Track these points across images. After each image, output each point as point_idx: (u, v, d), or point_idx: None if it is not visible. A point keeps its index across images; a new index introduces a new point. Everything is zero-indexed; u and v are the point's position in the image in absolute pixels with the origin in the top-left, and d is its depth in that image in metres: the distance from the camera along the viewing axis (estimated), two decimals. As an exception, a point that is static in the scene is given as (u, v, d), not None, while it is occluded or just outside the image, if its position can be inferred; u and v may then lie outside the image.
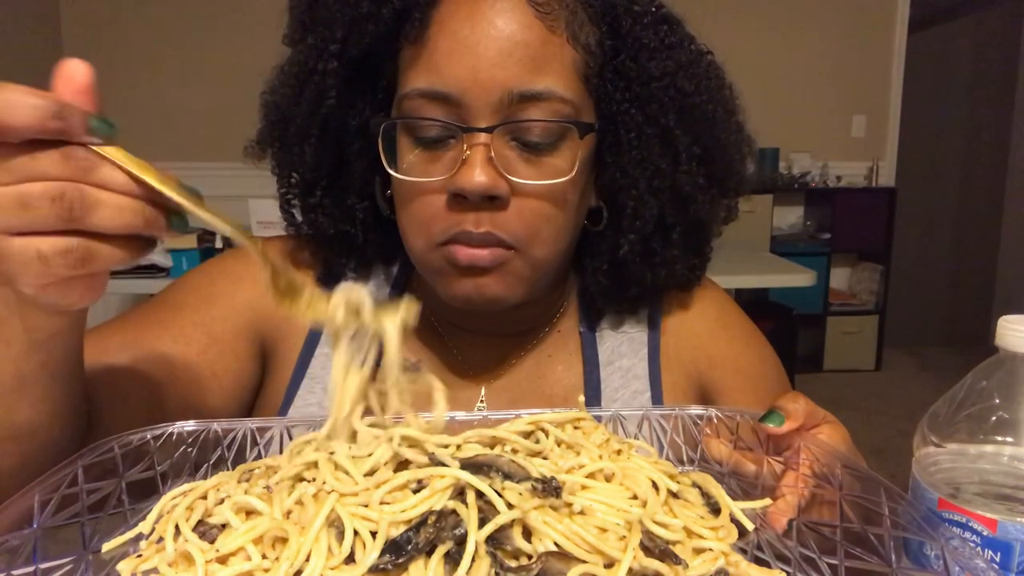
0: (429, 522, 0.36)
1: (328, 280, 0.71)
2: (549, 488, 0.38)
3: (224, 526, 0.39)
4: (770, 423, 0.47)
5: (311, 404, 0.66)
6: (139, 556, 0.39)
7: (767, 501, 0.45)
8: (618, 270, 0.67)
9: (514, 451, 0.45)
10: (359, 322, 0.45)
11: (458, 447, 0.44)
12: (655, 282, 0.68)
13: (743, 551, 0.42)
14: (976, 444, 0.42)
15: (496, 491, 0.38)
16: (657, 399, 0.69)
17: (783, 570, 0.40)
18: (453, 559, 0.36)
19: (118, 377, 0.58)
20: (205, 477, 0.47)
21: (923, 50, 4.51)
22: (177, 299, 0.66)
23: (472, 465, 0.40)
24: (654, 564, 0.36)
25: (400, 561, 0.35)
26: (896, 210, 4.12)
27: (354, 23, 0.58)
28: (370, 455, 0.42)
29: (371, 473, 0.41)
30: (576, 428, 0.50)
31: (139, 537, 0.42)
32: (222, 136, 3.48)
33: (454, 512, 0.37)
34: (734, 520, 0.43)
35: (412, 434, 0.43)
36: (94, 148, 0.37)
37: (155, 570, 0.37)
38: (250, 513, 0.40)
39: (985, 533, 0.39)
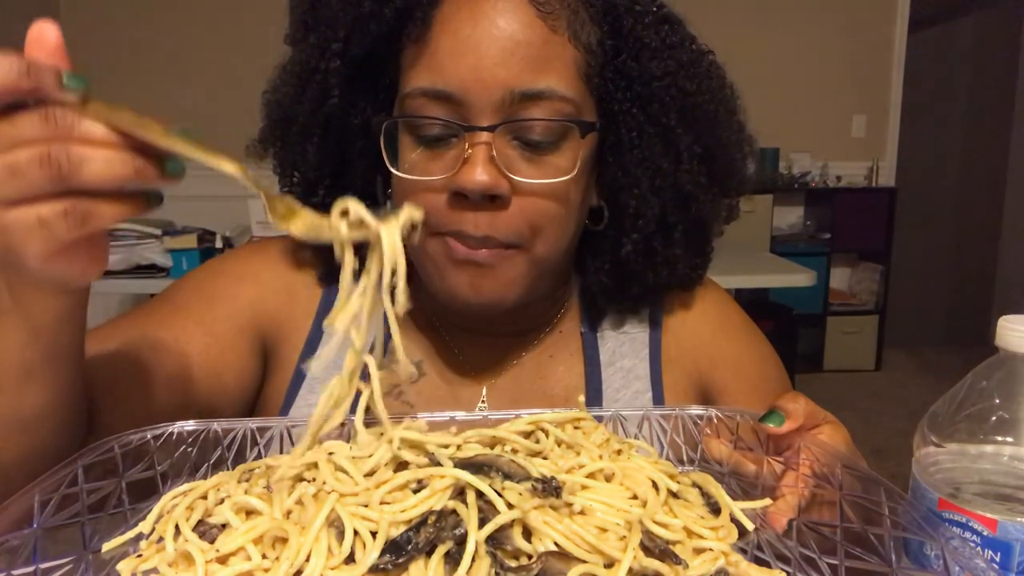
0: (429, 522, 0.37)
1: (329, 279, 0.71)
2: (549, 488, 0.38)
3: (224, 526, 0.39)
4: (770, 423, 0.47)
5: (312, 404, 0.66)
6: (139, 556, 0.39)
7: (767, 501, 0.45)
8: (620, 269, 0.67)
9: (514, 451, 0.45)
10: (363, 232, 0.44)
11: (458, 447, 0.44)
12: (657, 281, 0.68)
13: (743, 551, 0.42)
14: (976, 444, 0.42)
15: (496, 491, 0.38)
16: (658, 399, 0.69)
17: (783, 570, 0.40)
18: (453, 559, 0.36)
19: (119, 376, 0.58)
20: (205, 477, 0.47)
21: (923, 50, 4.51)
22: (179, 298, 0.66)
23: (472, 465, 0.40)
24: (654, 564, 0.36)
25: (400, 561, 0.35)
26: (896, 210, 4.12)
27: (356, 22, 0.58)
28: (370, 456, 0.42)
29: (371, 474, 0.41)
30: (576, 428, 0.50)
31: (139, 537, 0.42)
32: (222, 136, 3.47)
33: (454, 512, 0.37)
34: (734, 520, 0.43)
35: (412, 436, 0.43)
36: (71, 105, 0.37)
37: (155, 570, 0.37)
38: (250, 513, 0.40)
39: (985, 533, 0.39)
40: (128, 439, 0.47)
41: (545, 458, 0.45)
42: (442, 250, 0.58)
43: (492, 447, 0.45)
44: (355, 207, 0.43)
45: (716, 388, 0.71)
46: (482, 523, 0.36)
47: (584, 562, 0.36)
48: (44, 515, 0.39)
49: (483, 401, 0.69)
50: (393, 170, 0.59)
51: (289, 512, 0.39)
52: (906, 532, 0.36)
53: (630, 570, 0.35)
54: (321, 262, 0.71)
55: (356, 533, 0.37)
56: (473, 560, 0.35)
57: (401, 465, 0.42)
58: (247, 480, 0.45)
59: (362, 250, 0.46)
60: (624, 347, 0.71)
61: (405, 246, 0.62)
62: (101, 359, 0.57)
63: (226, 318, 0.66)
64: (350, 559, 0.36)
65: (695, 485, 0.46)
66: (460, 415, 0.50)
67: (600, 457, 0.45)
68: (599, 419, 0.52)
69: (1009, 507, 0.40)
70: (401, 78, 0.59)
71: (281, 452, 0.51)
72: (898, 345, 4.50)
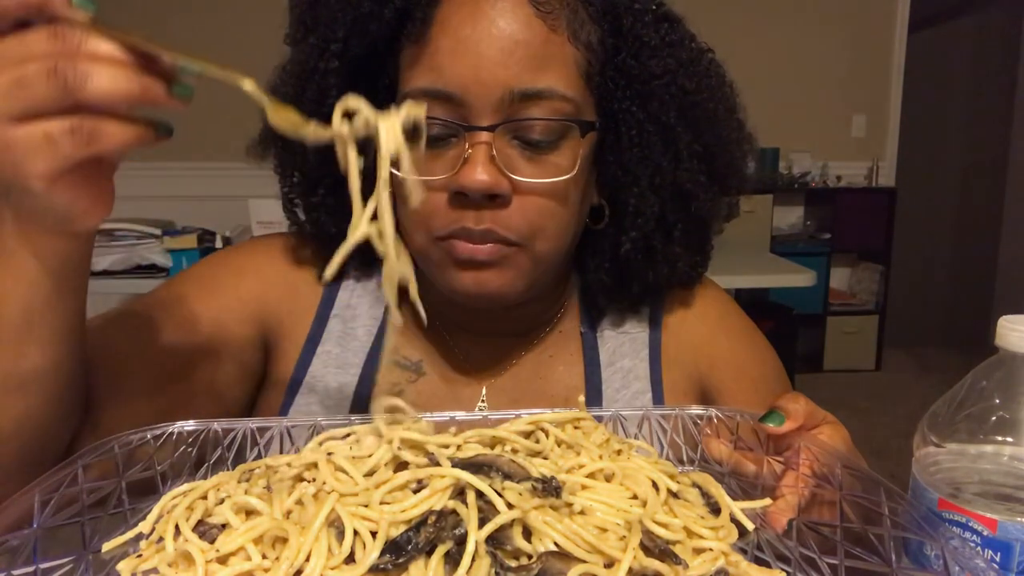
0: (429, 522, 0.37)
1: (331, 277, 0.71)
2: (549, 488, 0.38)
3: (224, 526, 0.39)
4: (770, 423, 0.47)
5: (312, 403, 0.67)
6: (139, 556, 0.39)
7: (767, 501, 0.45)
8: (620, 268, 0.67)
9: (514, 451, 0.45)
10: (365, 125, 0.44)
11: (458, 447, 0.44)
12: (657, 280, 0.68)
13: (743, 551, 0.42)
14: (976, 444, 0.42)
15: (496, 491, 0.38)
16: (658, 399, 0.69)
17: (783, 570, 0.40)
18: (453, 559, 0.36)
19: (120, 363, 0.58)
20: (205, 477, 0.47)
21: (923, 50, 4.50)
22: (182, 290, 0.66)
23: (472, 465, 0.40)
24: (654, 564, 0.36)
25: (400, 561, 0.35)
26: (896, 210, 4.12)
27: (355, 22, 0.58)
28: (369, 456, 0.43)
29: (371, 474, 0.41)
30: (576, 428, 0.50)
31: (139, 537, 0.42)
32: (222, 136, 3.49)
33: (454, 512, 0.37)
34: (734, 520, 0.43)
35: (412, 436, 0.43)
36: (80, 24, 0.37)
37: (155, 570, 0.37)
38: (250, 513, 0.40)
39: (985, 533, 0.39)
40: (128, 439, 0.47)
41: (545, 458, 0.45)
42: (445, 253, 0.58)
43: (492, 447, 0.45)
44: (356, 103, 0.43)
45: (716, 388, 0.71)
46: (482, 523, 0.36)
47: (584, 562, 0.36)
48: (44, 515, 0.39)
49: (483, 401, 0.69)
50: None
51: (289, 512, 0.39)
52: (906, 532, 0.36)
53: (630, 570, 0.35)
54: (322, 261, 0.71)
55: (356, 533, 0.37)
56: (473, 560, 0.35)
57: (401, 465, 0.42)
58: (247, 480, 0.45)
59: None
60: (624, 347, 0.71)
61: (408, 248, 0.62)
62: (103, 343, 0.58)
63: (230, 310, 0.66)
64: (350, 559, 0.36)
65: (695, 485, 0.46)
66: (460, 415, 0.50)
67: (600, 457, 0.45)
68: (599, 419, 0.52)
69: (1009, 507, 0.40)
70: (401, 78, 0.59)
71: (281, 452, 0.51)
72: (898, 345, 4.49)
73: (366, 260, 0.72)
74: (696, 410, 0.53)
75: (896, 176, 4.30)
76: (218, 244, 2.51)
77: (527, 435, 0.48)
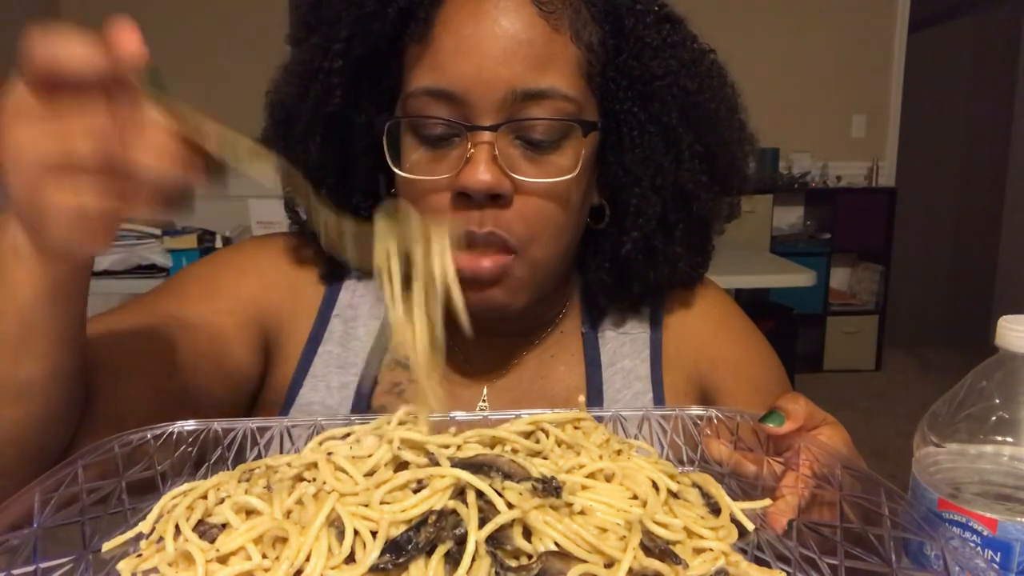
0: (429, 522, 0.36)
1: (332, 277, 0.71)
2: (549, 488, 0.38)
3: (224, 526, 0.39)
4: (770, 423, 0.47)
5: (314, 403, 0.67)
6: (139, 556, 0.39)
7: (767, 501, 0.45)
8: (621, 268, 0.67)
9: (514, 451, 0.45)
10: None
11: (458, 447, 0.44)
12: (658, 280, 0.68)
13: (743, 551, 0.42)
14: (976, 444, 0.42)
15: (496, 491, 0.38)
16: (659, 400, 0.69)
17: (783, 570, 0.40)
18: (453, 559, 0.36)
19: (121, 362, 0.58)
20: (205, 477, 0.47)
21: (923, 50, 4.50)
22: (182, 289, 0.66)
23: (472, 465, 0.40)
24: (654, 564, 0.36)
25: (400, 561, 0.35)
26: (896, 210, 4.12)
27: (359, 22, 0.59)
28: (369, 456, 0.42)
29: (371, 474, 0.41)
30: (576, 428, 0.50)
31: (139, 537, 0.42)
32: (222, 136, 3.48)
33: (454, 512, 0.37)
34: (734, 520, 0.43)
35: (412, 436, 0.43)
36: (142, 95, 0.37)
37: (155, 570, 0.37)
38: (250, 513, 0.40)
39: (985, 533, 0.39)
40: (128, 439, 0.47)
41: (545, 458, 0.45)
42: None
43: (492, 447, 0.45)
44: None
45: (716, 389, 0.71)
46: (482, 523, 0.36)
47: (584, 562, 0.36)
48: (44, 515, 0.39)
49: (484, 401, 0.69)
50: (396, 170, 0.59)
51: (289, 512, 0.39)
52: (906, 532, 0.36)
53: (630, 570, 0.35)
54: (324, 260, 0.71)
55: (356, 533, 0.37)
56: (473, 560, 0.35)
57: (401, 465, 0.42)
58: (247, 480, 0.45)
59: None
60: (625, 347, 0.71)
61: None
62: (104, 342, 0.57)
63: (228, 311, 0.66)
64: (350, 559, 0.36)
65: (695, 485, 0.46)
66: (460, 415, 0.50)
67: (600, 457, 0.45)
68: (599, 419, 0.52)
69: (1009, 507, 0.40)
70: (403, 78, 0.59)
71: (281, 452, 0.50)
72: (898, 345, 4.49)
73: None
74: (696, 411, 0.53)
75: (896, 176, 4.29)
76: (218, 244, 2.51)
77: (527, 435, 0.48)
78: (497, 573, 0.35)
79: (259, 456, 0.50)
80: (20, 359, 0.46)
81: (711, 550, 0.39)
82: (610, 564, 0.36)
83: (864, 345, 4.20)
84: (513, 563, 0.36)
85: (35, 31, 0.35)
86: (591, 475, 0.43)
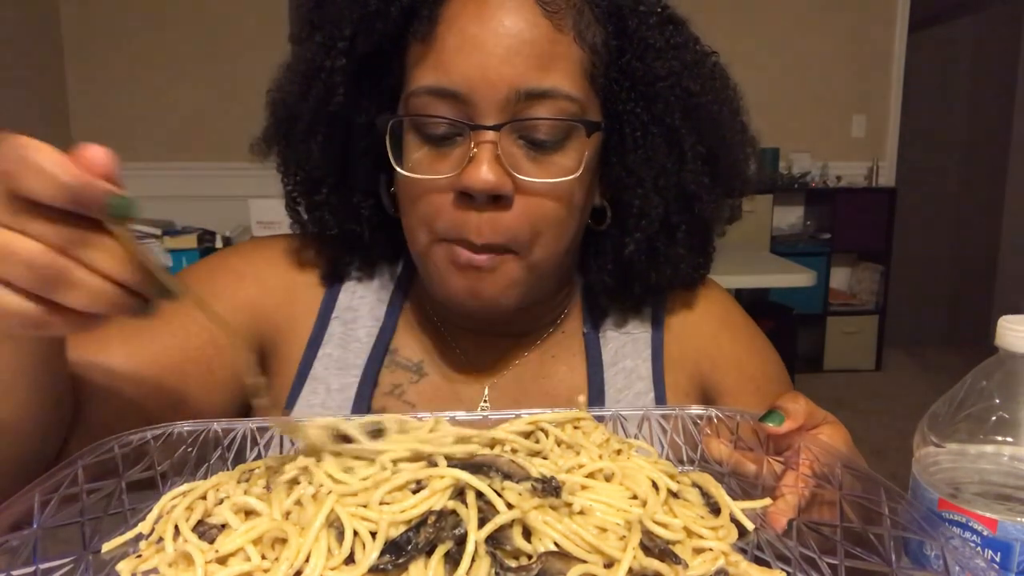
0: (429, 522, 0.36)
1: (332, 279, 0.71)
2: (549, 488, 0.38)
3: (223, 526, 0.39)
4: (770, 423, 0.47)
5: (314, 405, 0.66)
6: (139, 556, 0.39)
7: (767, 501, 0.45)
8: (623, 269, 0.67)
9: (514, 451, 0.45)
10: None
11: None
12: (659, 281, 0.68)
13: (743, 551, 0.42)
14: (976, 444, 0.42)
15: (496, 491, 0.38)
16: (660, 400, 0.69)
17: (783, 570, 0.40)
18: (453, 559, 0.36)
19: (113, 363, 0.58)
20: (205, 477, 0.47)
21: (923, 50, 4.51)
22: None
23: (471, 465, 0.40)
24: (654, 564, 0.36)
25: (400, 561, 0.35)
26: (896, 210, 4.12)
27: (362, 20, 0.58)
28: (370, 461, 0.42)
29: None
30: (576, 428, 0.50)
31: (139, 537, 0.42)
32: (223, 136, 3.49)
33: (454, 512, 0.37)
34: (734, 520, 0.43)
35: (415, 447, 0.43)
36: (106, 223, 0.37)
37: (155, 570, 0.37)
38: (249, 513, 0.40)
39: (985, 533, 0.39)
40: (128, 439, 0.47)
41: (545, 458, 0.45)
42: (446, 255, 0.58)
43: (492, 447, 0.45)
44: None
45: (717, 388, 0.71)
46: (482, 523, 0.36)
47: (584, 562, 0.36)
48: (44, 515, 0.39)
49: (485, 401, 0.69)
50: (398, 169, 0.59)
51: (288, 513, 0.39)
52: (906, 532, 0.36)
53: (630, 570, 0.35)
54: (323, 262, 0.71)
55: (356, 533, 0.37)
56: (473, 560, 0.35)
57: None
58: (246, 480, 0.45)
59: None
60: (626, 347, 0.71)
61: (411, 248, 0.63)
62: (96, 351, 0.58)
63: (225, 315, 0.66)
64: (350, 559, 0.36)
65: (695, 485, 0.46)
66: (460, 415, 0.50)
67: (600, 457, 0.45)
68: (599, 419, 0.52)
69: (1009, 507, 0.40)
70: (406, 76, 0.59)
71: (281, 452, 0.50)
72: (898, 345, 4.49)
73: (367, 261, 0.72)
74: (696, 410, 0.53)
75: (896, 176, 4.29)
76: (218, 244, 2.52)
77: (527, 435, 0.48)
78: (497, 573, 0.35)
79: (259, 456, 0.50)
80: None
81: (711, 550, 0.39)
82: (610, 564, 0.36)
83: (864, 345, 4.20)
84: (513, 563, 0.36)
85: (7, 139, 0.35)
86: (591, 475, 0.43)
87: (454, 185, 0.56)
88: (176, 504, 0.42)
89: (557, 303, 0.72)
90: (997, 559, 0.39)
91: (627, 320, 0.73)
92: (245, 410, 0.69)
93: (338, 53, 0.60)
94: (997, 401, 0.42)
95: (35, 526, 0.38)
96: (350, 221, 0.67)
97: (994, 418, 0.42)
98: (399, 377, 0.68)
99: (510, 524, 0.37)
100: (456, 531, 0.36)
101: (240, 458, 0.50)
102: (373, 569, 0.35)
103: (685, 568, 0.37)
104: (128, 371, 0.59)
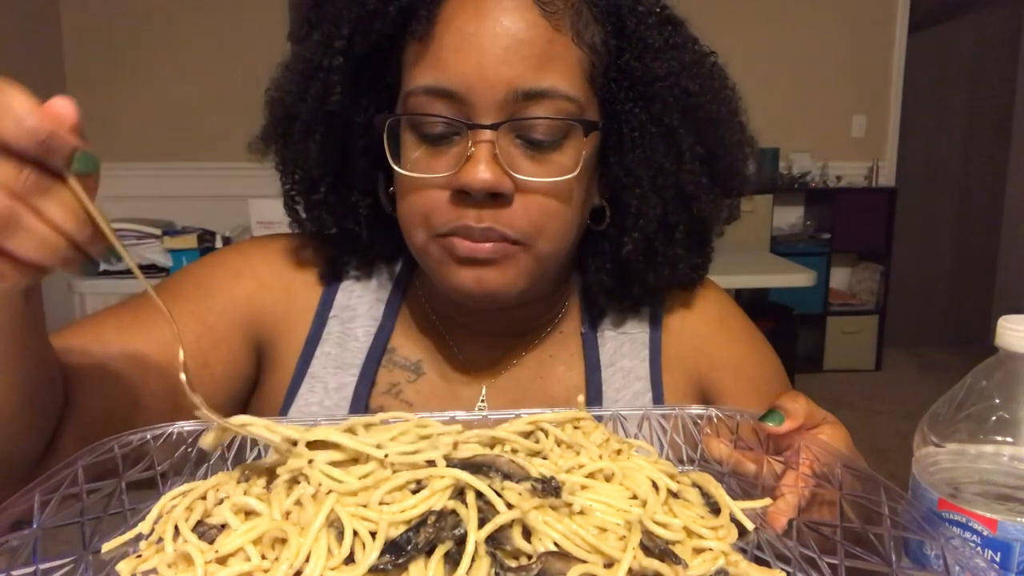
0: (429, 522, 0.36)
1: (330, 278, 0.71)
2: (549, 488, 0.38)
3: (223, 527, 0.39)
4: (770, 422, 0.47)
5: (312, 404, 0.67)
6: (139, 556, 0.39)
7: (767, 501, 0.45)
8: (621, 269, 0.67)
9: (514, 451, 0.45)
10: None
11: (456, 446, 0.44)
12: (658, 281, 0.68)
13: (743, 551, 0.42)
14: (976, 444, 0.42)
15: (496, 491, 0.38)
16: (658, 400, 0.69)
17: (783, 570, 0.40)
18: (453, 559, 0.36)
19: (105, 362, 0.58)
20: (205, 477, 0.47)
21: (923, 50, 4.50)
22: (176, 288, 0.66)
23: (471, 465, 0.40)
24: (654, 564, 0.36)
25: (400, 561, 0.35)
26: (896, 210, 4.12)
27: (360, 20, 0.59)
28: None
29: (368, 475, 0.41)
30: (576, 428, 0.50)
31: (139, 537, 0.42)
32: (222, 136, 3.49)
33: (454, 512, 0.37)
34: (734, 520, 0.43)
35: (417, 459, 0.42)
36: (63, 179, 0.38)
37: (155, 570, 0.37)
38: (249, 514, 0.40)
39: (985, 533, 0.39)
40: (128, 439, 0.47)
41: (545, 458, 0.45)
42: (445, 250, 0.58)
43: (492, 447, 0.45)
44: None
45: (716, 389, 0.71)
46: (482, 523, 0.36)
47: (584, 562, 0.36)
48: (44, 515, 0.39)
49: (483, 400, 0.69)
50: (396, 168, 0.59)
51: (288, 513, 0.39)
52: (906, 532, 0.36)
53: (630, 570, 0.35)
54: (322, 261, 0.71)
55: (356, 533, 0.37)
56: (473, 560, 0.35)
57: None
58: (246, 480, 0.45)
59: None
60: (624, 347, 0.71)
61: (409, 246, 0.63)
62: (94, 346, 0.58)
63: (220, 311, 0.66)
64: (350, 559, 0.36)
65: (695, 485, 0.46)
66: (460, 415, 0.50)
67: (600, 457, 0.45)
68: (599, 419, 0.52)
69: (1009, 507, 0.40)
70: (404, 76, 0.59)
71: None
72: (898, 345, 4.50)
73: (365, 260, 0.72)
74: (696, 410, 0.53)
75: (896, 176, 4.30)
76: (218, 244, 2.51)
77: (526, 435, 0.48)
78: (497, 573, 0.35)
79: (259, 456, 0.50)
80: None
81: (711, 550, 0.39)
82: (610, 564, 0.36)
83: (864, 345, 4.20)
84: (513, 563, 0.36)
85: None
86: (591, 475, 0.43)
87: (451, 184, 0.56)
88: (176, 504, 0.42)
89: (555, 303, 0.72)
90: (997, 559, 0.39)
91: (625, 320, 0.73)
92: (243, 406, 0.69)
93: (336, 52, 0.60)
94: (997, 401, 0.42)
95: (35, 526, 0.38)
96: (348, 220, 0.67)
97: (994, 418, 0.42)
98: (397, 376, 0.68)
99: (510, 524, 0.37)
100: (456, 531, 0.36)
101: (240, 458, 0.50)
102: (373, 569, 0.35)
103: (685, 568, 0.37)
104: (122, 361, 0.59)
